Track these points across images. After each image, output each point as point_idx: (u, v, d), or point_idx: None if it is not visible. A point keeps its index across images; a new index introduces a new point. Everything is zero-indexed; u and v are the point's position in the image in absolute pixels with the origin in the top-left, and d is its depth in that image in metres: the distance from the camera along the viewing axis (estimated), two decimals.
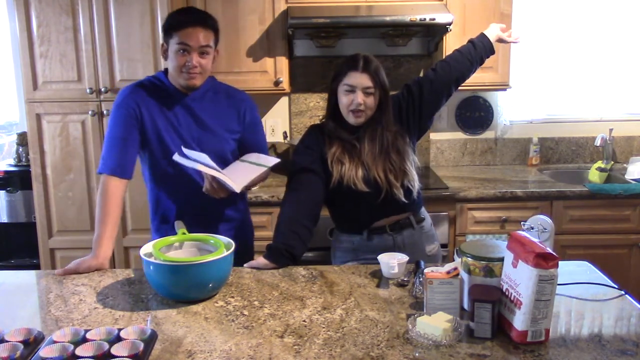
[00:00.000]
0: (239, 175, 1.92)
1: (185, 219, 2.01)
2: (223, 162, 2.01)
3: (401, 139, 2.02)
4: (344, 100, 1.96)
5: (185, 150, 1.91)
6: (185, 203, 2.06)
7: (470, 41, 2.21)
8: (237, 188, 1.87)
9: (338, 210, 2.11)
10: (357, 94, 1.93)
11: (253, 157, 2.06)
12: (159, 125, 1.99)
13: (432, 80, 2.10)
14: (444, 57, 3.07)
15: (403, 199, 1.98)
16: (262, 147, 2.15)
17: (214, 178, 1.87)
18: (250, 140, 2.12)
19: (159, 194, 2.09)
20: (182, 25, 1.91)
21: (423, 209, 2.15)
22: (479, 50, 2.19)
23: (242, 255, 1.91)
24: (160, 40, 2.77)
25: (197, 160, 1.87)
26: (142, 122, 1.98)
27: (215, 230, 2.02)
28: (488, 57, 2.23)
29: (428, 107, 2.10)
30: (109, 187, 1.91)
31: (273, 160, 1.99)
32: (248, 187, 2.01)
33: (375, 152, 1.97)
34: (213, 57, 2.01)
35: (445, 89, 2.13)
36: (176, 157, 1.90)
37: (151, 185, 2.11)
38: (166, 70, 2.04)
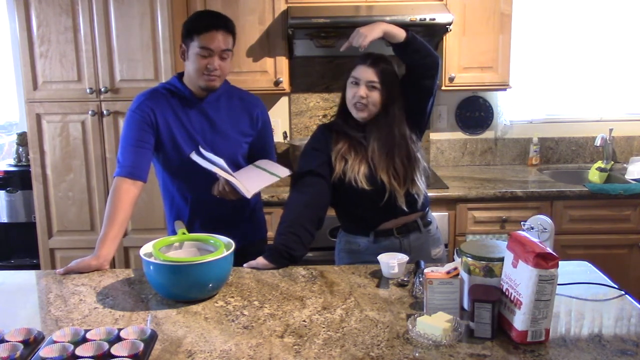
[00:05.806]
0: (251, 181, 1.94)
1: (199, 220, 2.06)
2: (235, 165, 2.04)
3: (413, 145, 1.99)
4: (349, 93, 1.96)
5: (203, 151, 1.94)
6: (198, 204, 2.08)
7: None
8: (249, 194, 1.88)
9: (344, 210, 2.10)
10: (360, 87, 1.93)
11: (266, 164, 2.07)
12: (174, 130, 2.00)
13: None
14: (444, 57, 3.12)
15: (404, 208, 1.97)
16: (270, 149, 2.19)
17: (227, 182, 1.89)
18: (260, 143, 2.15)
19: (174, 196, 2.12)
20: (204, 29, 1.91)
21: (430, 212, 2.14)
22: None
23: (258, 254, 1.90)
24: (160, 40, 2.83)
25: (213, 162, 1.89)
26: (157, 127, 1.99)
27: (230, 230, 2.02)
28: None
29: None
30: (120, 188, 1.91)
31: (285, 172, 2.01)
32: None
33: (382, 152, 1.95)
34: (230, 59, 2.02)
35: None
36: (193, 156, 1.92)
37: (165, 188, 2.13)
38: (179, 75, 2.06)
